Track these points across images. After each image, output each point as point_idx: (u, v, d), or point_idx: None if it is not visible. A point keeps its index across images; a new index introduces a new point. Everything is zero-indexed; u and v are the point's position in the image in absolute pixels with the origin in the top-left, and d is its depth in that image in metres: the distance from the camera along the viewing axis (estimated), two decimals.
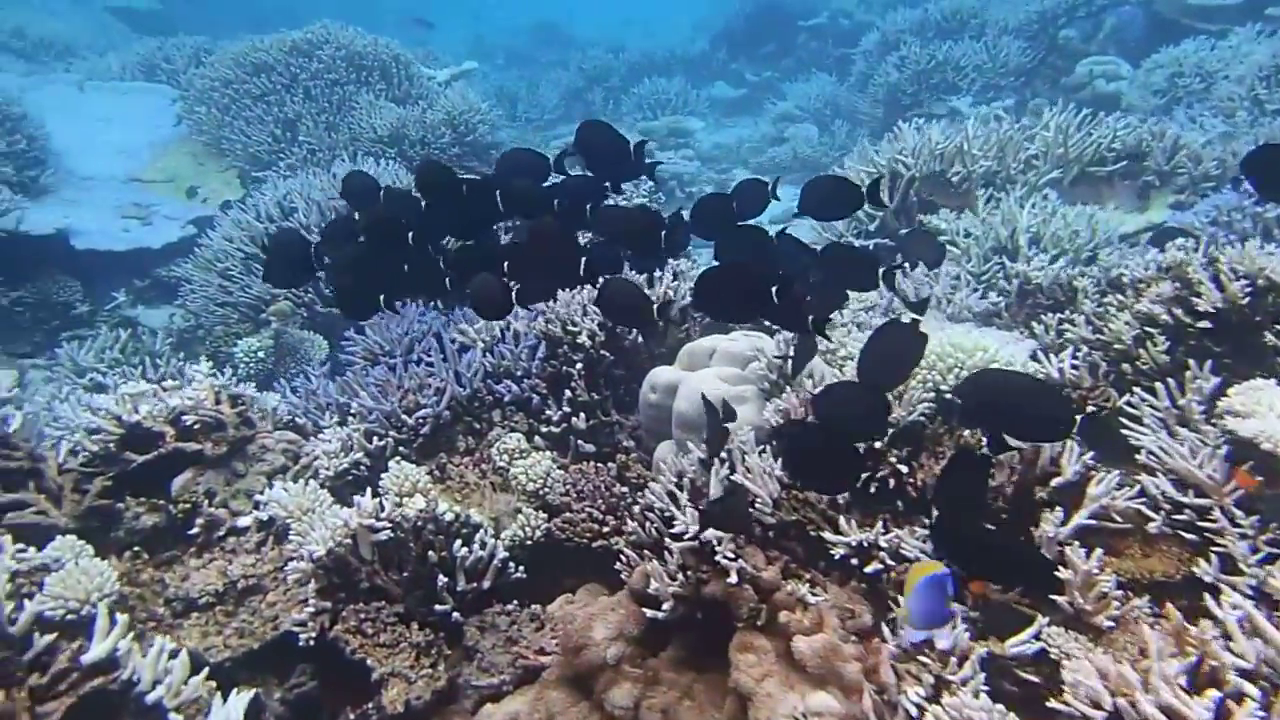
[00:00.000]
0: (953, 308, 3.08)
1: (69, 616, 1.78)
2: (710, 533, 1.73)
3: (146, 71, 8.10)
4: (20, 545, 1.97)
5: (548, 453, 2.33)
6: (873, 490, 1.87)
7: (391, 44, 6.80)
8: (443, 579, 1.97)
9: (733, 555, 1.69)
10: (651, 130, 8.64)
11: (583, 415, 2.37)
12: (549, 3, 20.32)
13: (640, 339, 2.54)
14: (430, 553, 2.00)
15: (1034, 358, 2.29)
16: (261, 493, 2.26)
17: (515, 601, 2.03)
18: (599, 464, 2.27)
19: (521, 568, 2.10)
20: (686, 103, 10.56)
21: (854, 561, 1.70)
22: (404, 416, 2.41)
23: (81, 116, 6.81)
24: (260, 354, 4.07)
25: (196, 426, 2.36)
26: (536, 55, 15.15)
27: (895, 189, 4.33)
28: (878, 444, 1.89)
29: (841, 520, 1.75)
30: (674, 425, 2.23)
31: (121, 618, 1.63)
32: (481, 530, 2.10)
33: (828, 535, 1.74)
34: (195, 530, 2.17)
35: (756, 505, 1.83)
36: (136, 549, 2.06)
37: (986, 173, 4.17)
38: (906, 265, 3.40)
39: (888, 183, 4.33)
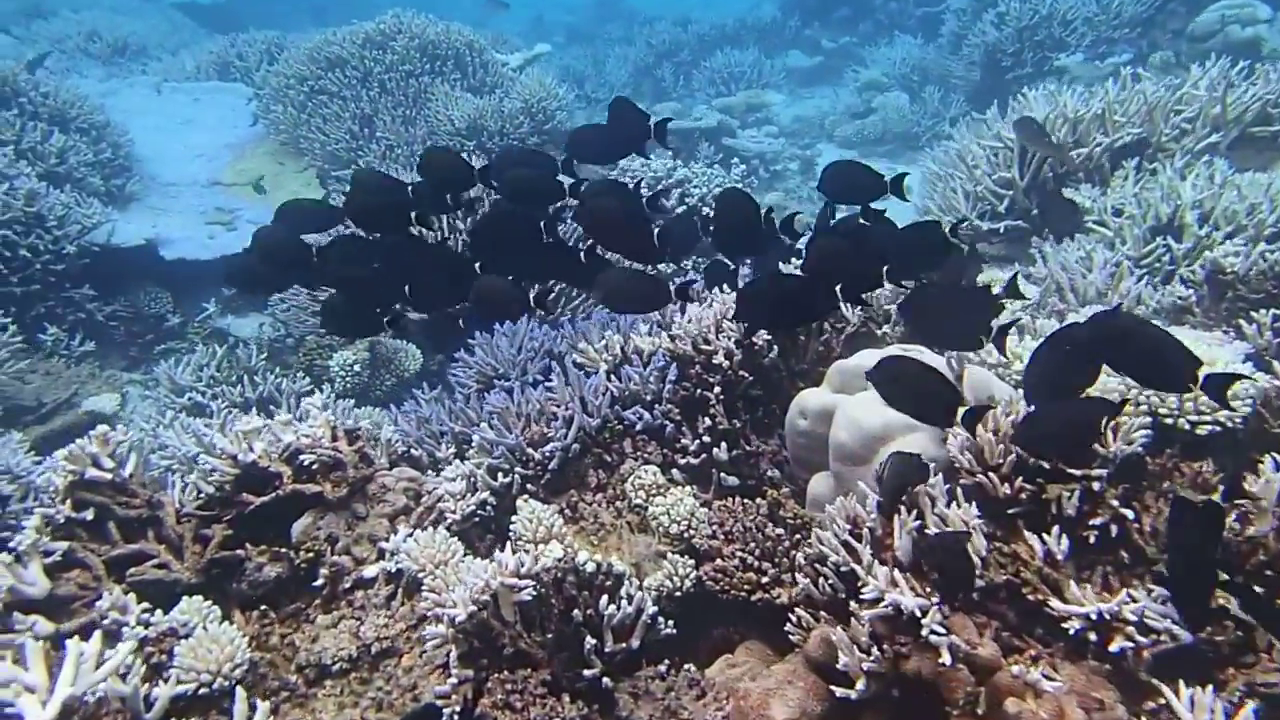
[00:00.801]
0: (1120, 301, 2.77)
1: (201, 690, 1.67)
2: (910, 600, 1.51)
3: (220, 70, 8.14)
4: (145, 606, 1.87)
5: (687, 488, 2.14)
6: (1091, 540, 1.62)
7: (464, 31, 6.64)
8: (590, 640, 1.80)
9: (942, 629, 1.47)
10: (729, 106, 8.31)
11: (724, 445, 2.17)
12: None
13: (778, 354, 2.32)
14: (575, 610, 1.83)
15: (1250, 363, 2.00)
16: (386, 538, 2.12)
17: (666, 661, 1.85)
18: (746, 500, 2.06)
19: (670, 622, 1.92)
20: (761, 74, 10.18)
21: (1092, 637, 1.46)
22: (530, 450, 2.24)
23: (161, 120, 6.85)
24: (356, 367, 3.98)
25: (315, 466, 2.23)
26: (599, 31, 14.87)
27: (1024, 165, 3.98)
28: (1094, 484, 1.64)
29: (1071, 586, 1.51)
30: (832, 457, 2.01)
31: (262, 706, 1.50)
32: (626, 581, 1.92)
33: (1056, 604, 1.50)
34: (320, 581, 2.05)
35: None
36: (264, 608, 1.95)
37: (1133, 141, 3.78)
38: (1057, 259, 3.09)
39: (1016, 158, 3.98)
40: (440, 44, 6.45)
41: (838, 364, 2.15)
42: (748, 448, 2.17)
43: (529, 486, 2.23)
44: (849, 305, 2.35)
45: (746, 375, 2.24)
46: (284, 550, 2.12)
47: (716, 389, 2.21)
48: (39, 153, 4.91)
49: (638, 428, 2.26)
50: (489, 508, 2.22)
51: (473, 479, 2.26)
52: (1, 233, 4.11)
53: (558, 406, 2.34)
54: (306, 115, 6.17)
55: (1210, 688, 1.33)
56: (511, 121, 6.04)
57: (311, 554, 2.09)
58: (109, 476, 2.11)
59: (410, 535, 2.07)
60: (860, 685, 1.52)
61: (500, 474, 2.26)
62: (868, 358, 2.14)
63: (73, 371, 4.02)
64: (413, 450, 2.55)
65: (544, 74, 6.64)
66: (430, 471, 2.46)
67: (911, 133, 7.66)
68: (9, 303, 4.11)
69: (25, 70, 5.57)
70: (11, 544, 1.92)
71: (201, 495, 2.30)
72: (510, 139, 6.03)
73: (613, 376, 2.39)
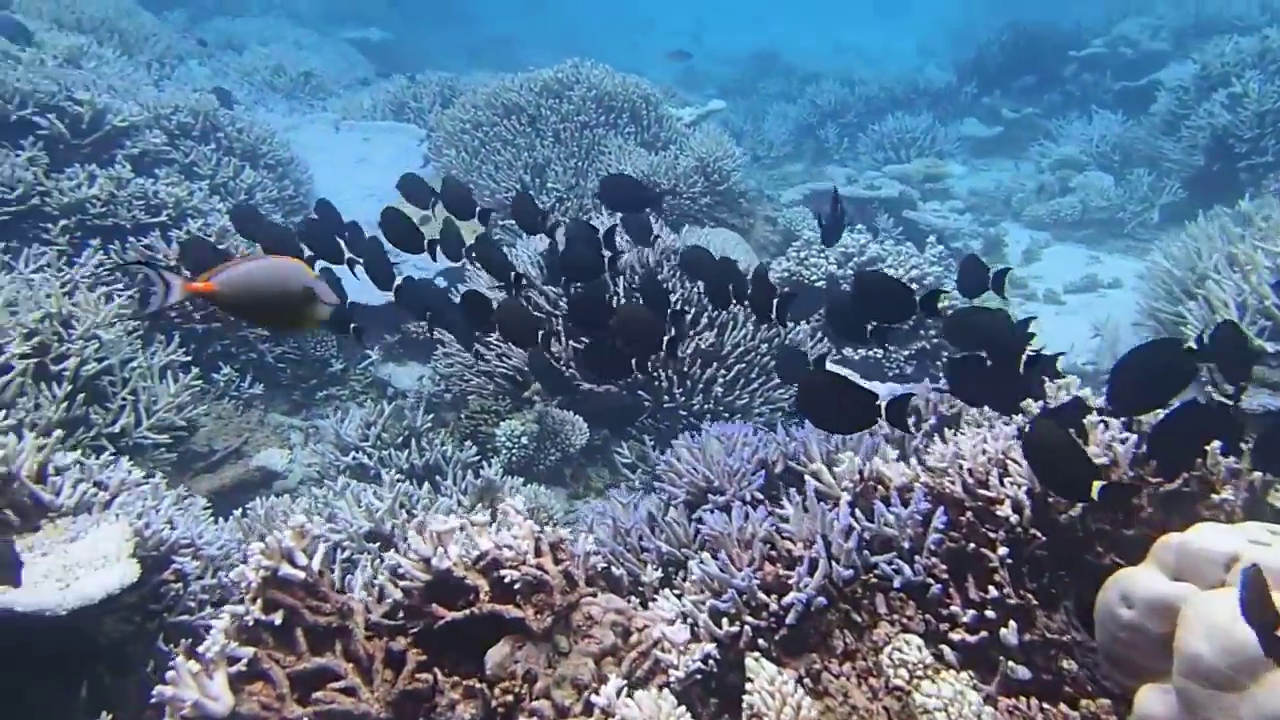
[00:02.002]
0: None
1: None
2: None
3: (396, 109, 8.42)
4: None
5: (963, 675, 1.77)
6: None
7: (642, 83, 6.58)
8: None
9: None
10: (905, 175, 7.93)
11: (1013, 624, 1.79)
12: (762, 31, 20.10)
13: (1075, 507, 1.93)
14: None
15: None
16: (592, 685, 1.85)
17: None
18: (1046, 705, 1.68)
19: None
20: (934, 141, 9.76)
21: None
22: (763, 596, 1.93)
23: (336, 157, 7.09)
24: (524, 439, 3.81)
25: (516, 585, 2.00)
26: (754, 86, 14.78)
27: None
28: None
29: None
30: (1177, 670, 1.60)
31: None
32: None
33: None
34: None
35: None
36: None
37: None
38: None
39: None
40: (616, 95, 6.41)
41: (1175, 541, 1.74)
42: (1048, 633, 1.78)
43: (760, 641, 1.92)
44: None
45: (1039, 534, 1.86)
46: (478, 685, 1.88)
47: (1001, 549, 1.84)
48: (230, 189, 5.07)
49: (895, 584, 1.91)
50: (712, 662, 1.91)
51: (692, 622, 1.97)
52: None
53: (794, 543, 2.03)
54: (479, 161, 6.22)
55: None
56: (685, 180, 5.89)
57: (510, 696, 1.84)
58: (302, 576, 1.94)
59: (624, 690, 1.79)
60: None
61: (725, 620, 1.95)
62: (1220, 539, 1.73)
63: (242, 418, 4.02)
64: (612, 568, 2.29)
65: (719, 131, 6.48)
66: (632, 597, 2.19)
67: (1115, 218, 7.06)
68: (190, 339, 4.17)
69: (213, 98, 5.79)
70: (200, 649, 1.76)
71: (387, 599, 2.11)
72: (684, 198, 5.87)
73: (854, 508, 2.07)
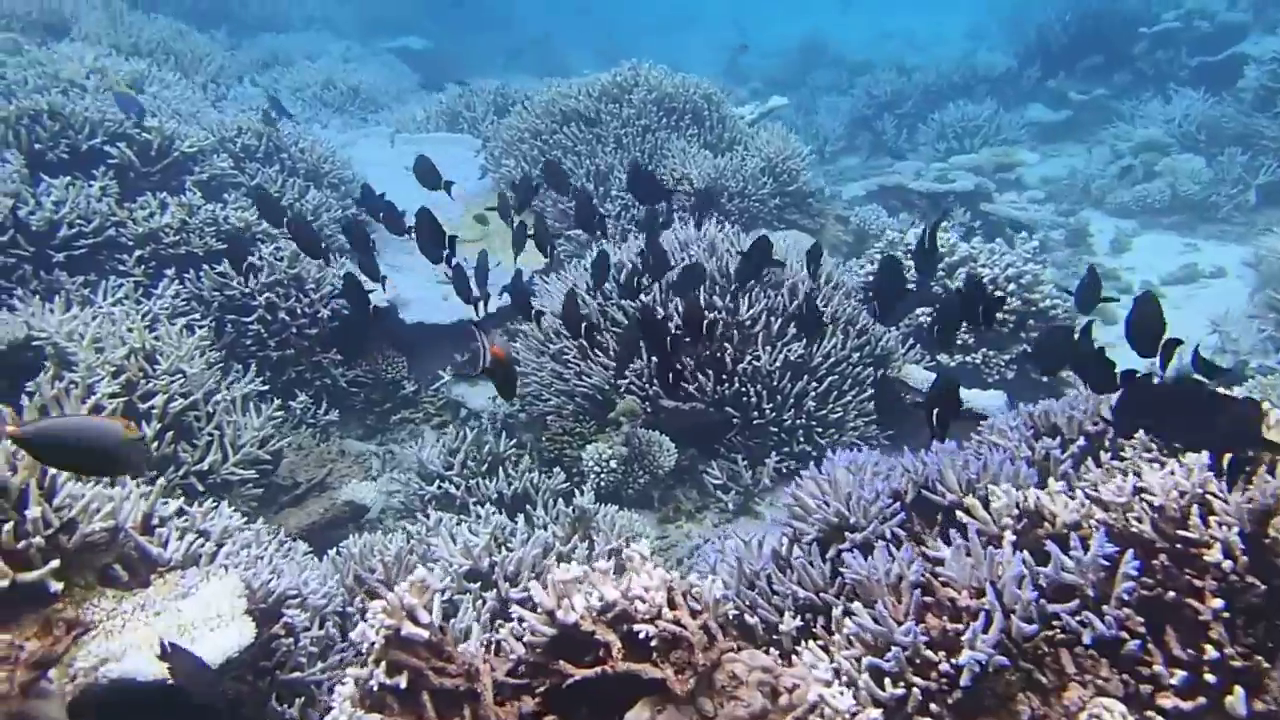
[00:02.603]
0: None
1: None
2: None
3: (449, 120, 8.37)
4: None
5: None
6: None
7: (702, 83, 6.41)
8: None
9: None
10: (976, 166, 7.62)
11: (1240, 691, 1.59)
12: (804, 21, 19.73)
13: None
14: None
15: None
16: None
17: None
18: None
19: None
20: (999, 129, 9.43)
21: None
22: (930, 654, 1.76)
23: (395, 172, 6.97)
24: (612, 463, 3.67)
25: (652, 641, 1.85)
26: (802, 79, 14.47)
27: None
28: None
29: None
30: None
31: None
32: None
33: None
34: None
35: None
36: None
37: None
38: None
39: None
40: (677, 97, 6.25)
41: None
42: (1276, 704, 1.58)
43: (931, 705, 1.74)
44: None
45: (1257, 583, 1.66)
46: None
47: (1215, 600, 1.64)
48: (296, 210, 5.01)
49: (1085, 639, 1.72)
50: None
51: (853, 680, 1.79)
52: (267, 295, 4.13)
53: (957, 591, 1.85)
54: (538, 171, 6.09)
55: None
56: (754, 182, 5.71)
57: None
58: (425, 635, 1.81)
59: None
60: None
61: (888, 680, 1.78)
62: None
63: (322, 448, 3.94)
64: (745, 616, 2.13)
65: (784, 129, 6.28)
66: (770, 649, 2.03)
67: (1209, 202, 6.70)
68: (265, 367, 4.11)
69: (263, 122, 5.72)
70: None
71: (509, 654, 1.98)
72: (752, 200, 5.69)
73: (1020, 550, 1.88)
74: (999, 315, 4.08)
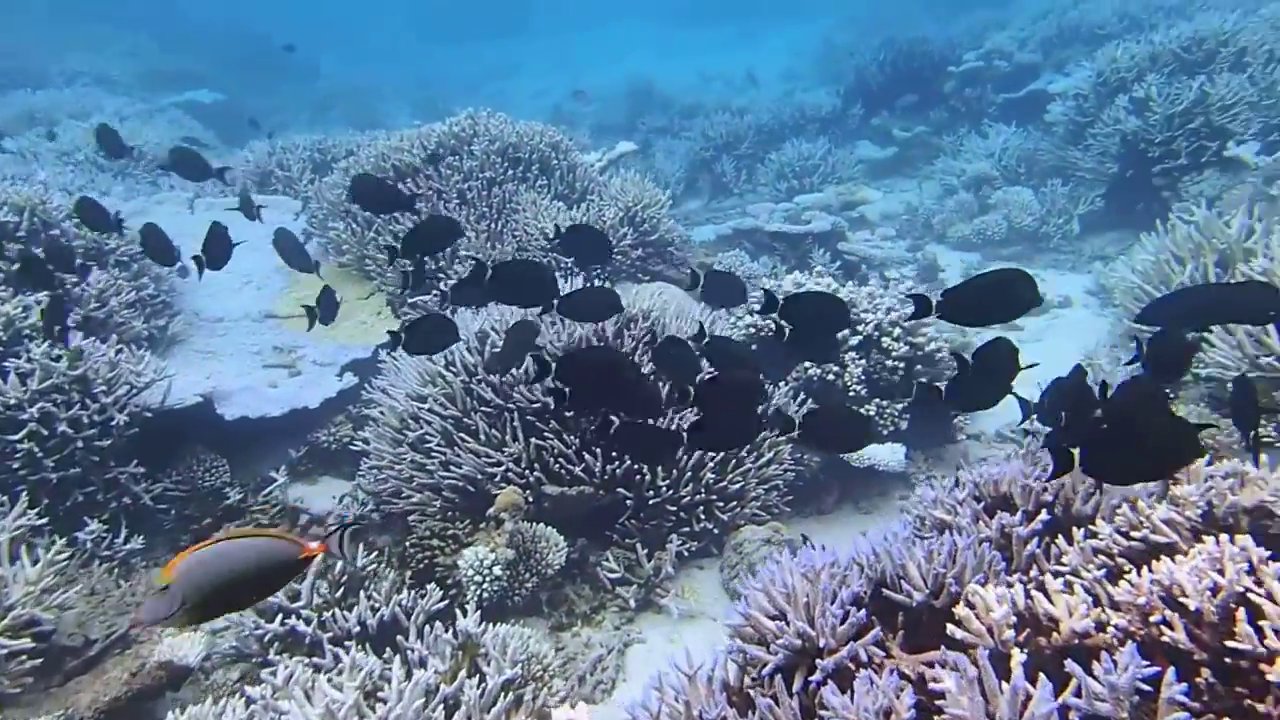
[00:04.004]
0: None
1: None
2: None
3: (259, 180, 7.63)
4: None
5: None
6: None
7: (547, 130, 6.12)
8: None
9: None
10: (824, 205, 7.75)
11: None
12: (624, 66, 20.08)
13: None
14: None
15: None
16: None
17: None
18: None
19: None
20: (834, 167, 9.73)
21: None
22: None
23: (199, 242, 6.25)
24: (496, 570, 3.20)
25: None
26: (631, 123, 14.57)
27: None
28: None
29: None
30: None
31: None
32: None
33: None
34: None
35: None
36: None
37: None
38: None
39: None
40: (522, 146, 5.92)
41: None
42: None
43: None
44: None
45: None
46: None
47: None
48: (76, 297, 4.24)
49: None
50: None
51: None
52: (40, 406, 3.39)
53: None
54: (374, 233, 5.57)
55: None
56: (614, 232, 5.44)
57: None
58: None
59: None
60: None
61: None
62: None
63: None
64: None
65: (638, 176, 6.08)
66: None
67: (1042, 232, 7.09)
68: (42, 493, 3.35)
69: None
70: None
71: None
72: (615, 253, 5.41)
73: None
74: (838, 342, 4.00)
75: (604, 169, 6.75)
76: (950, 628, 1.72)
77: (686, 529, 3.60)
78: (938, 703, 1.59)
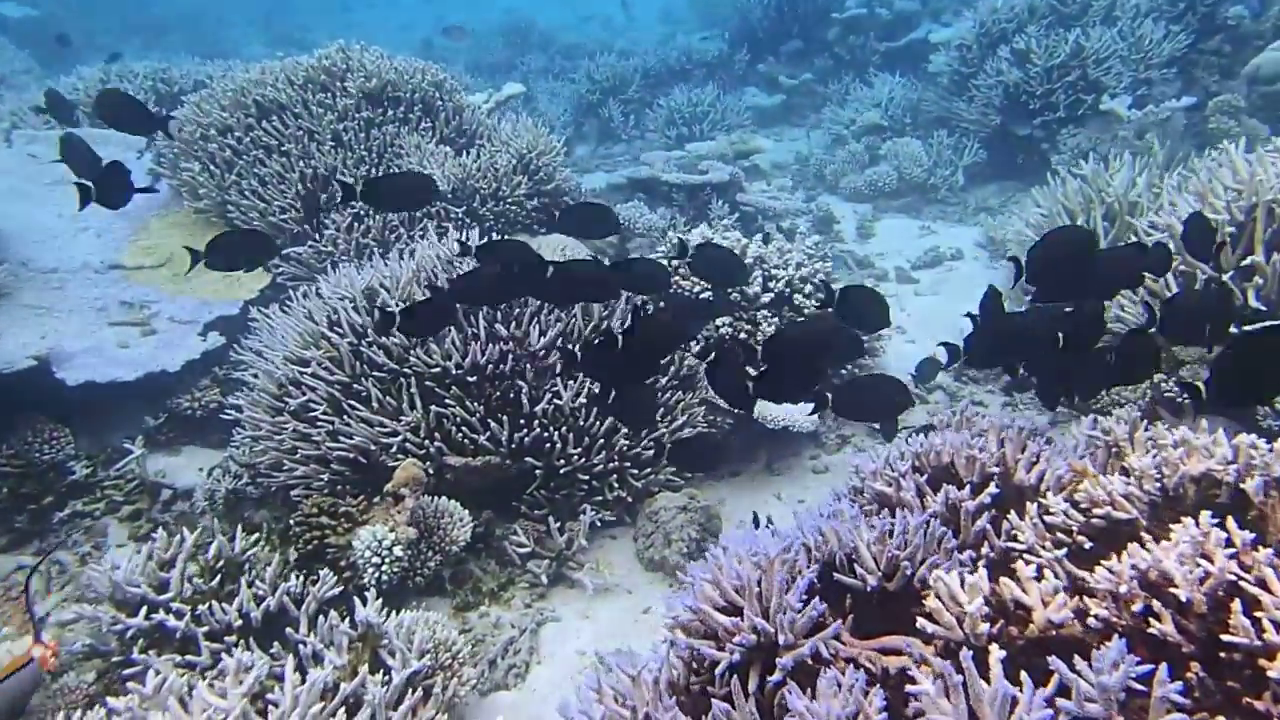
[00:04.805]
0: None
1: None
2: None
3: (90, 111, 6.77)
4: None
5: None
6: None
7: (430, 68, 5.66)
8: None
9: None
10: (722, 154, 7.57)
11: None
12: (502, 3, 19.19)
13: None
14: None
15: None
16: None
17: None
18: None
19: None
20: (724, 115, 9.59)
21: None
22: None
23: (21, 182, 5.50)
24: (397, 550, 2.93)
25: None
26: (511, 63, 13.96)
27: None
28: None
29: None
30: None
31: None
32: None
33: None
34: None
35: None
36: None
37: None
38: None
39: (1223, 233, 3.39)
40: (402, 85, 5.45)
41: None
42: None
43: None
44: None
45: None
46: None
47: None
48: None
49: None
50: None
51: None
52: None
53: None
54: (235, 175, 5.02)
55: None
56: (508, 181, 5.11)
57: None
58: None
59: None
60: None
61: None
62: None
63: None
64: None
65: (532, 121, 5.73)
66: None
67: (929, 184, 7.19)
68: None
69: None
70: None
71: None
72: (507, 203, 5.09)
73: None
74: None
75: (490, 112, 6.34)
76: (921, 622, 1.61)
77: (599, 498, 3.43)
78: (912, 704, 1.49)
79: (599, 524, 3.40)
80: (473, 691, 2.65)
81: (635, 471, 3.48)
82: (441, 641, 2.70)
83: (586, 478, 3.41)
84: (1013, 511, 1.91)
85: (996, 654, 1.47)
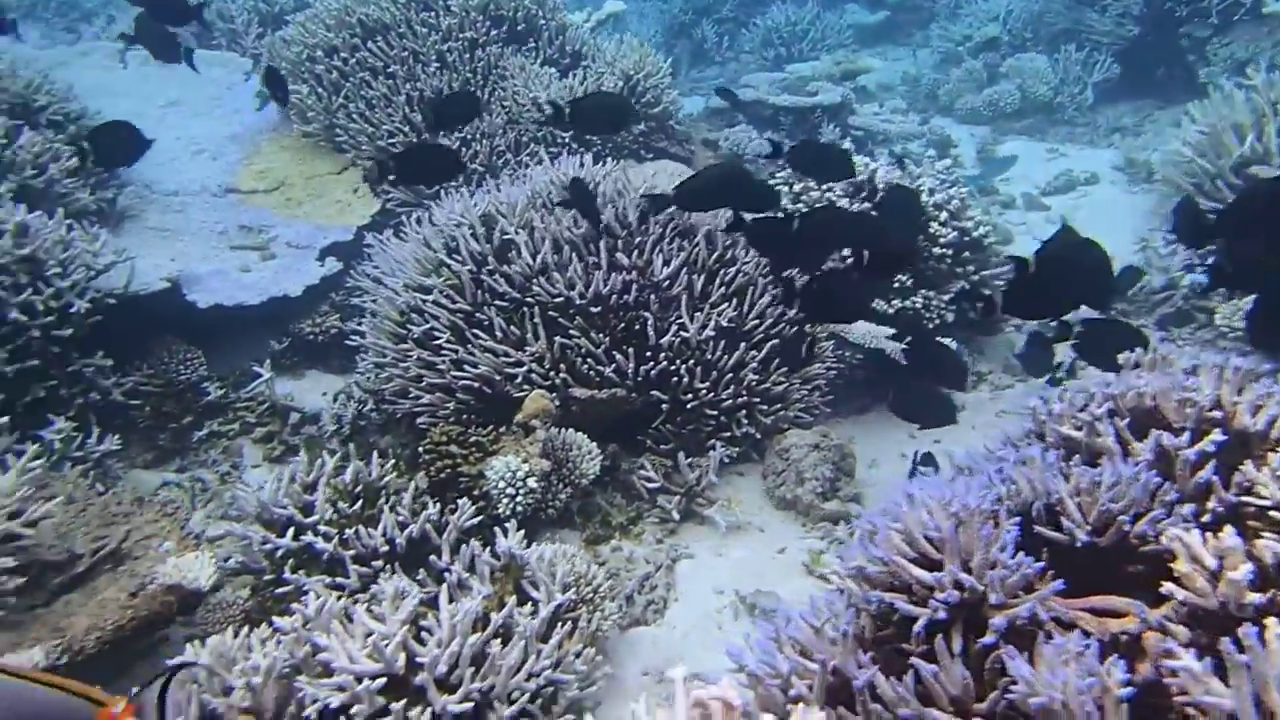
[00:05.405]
0: None
1: None
2: None
3: (198, 32, 6.74)
4: None
5: None
6: None
7: None
8: None
9: None
10: (829, 75, 7.18)
11: None
12: None
13: None
14: None
15: None
16: None
17: None
18: None
19: None
20: (824, 34, 9.09)
21: None
22: None
23: (139, 103, 5.51)
24: (531, 482, 2.88)
25: None
26: None
27: None
28: None
29: None
30: None
31: None
32: None
33: None
34: None
35: None
36: None
37: None
38: None
39: None
40: (503, 3, 5.24)
41: None
42: None
43: None
44: None
45: None
46: None
47: None
48: (9, 161, 3.63)
49: None
50: None
51: None
52: None
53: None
54: (343, 99, 4.94)
55: None
56: None
57: None
58: None
59: None
60: None
61: None
62: None
63: (107, 497, 2.82)
64: None
65: (638, 41, 5.48)
66: None
67: (1056, 103, 6.69)
68: None
69: None
70: None
71: None
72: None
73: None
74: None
75: (593, 31, 6.09)
76: (1168, 586, 1.45)
77: (726, 434, 3.32)
78: (1167, 680, 1.34)
79: (726, 460, 3.29)
80: (614, 626, 2.61)
81: (765, 407, 3.35)
82: (581, 574, 2.65)
83: (714, 413, 3.30)
84: (1248, 462, 1.71)
85: (1275, 628, 1.30)
